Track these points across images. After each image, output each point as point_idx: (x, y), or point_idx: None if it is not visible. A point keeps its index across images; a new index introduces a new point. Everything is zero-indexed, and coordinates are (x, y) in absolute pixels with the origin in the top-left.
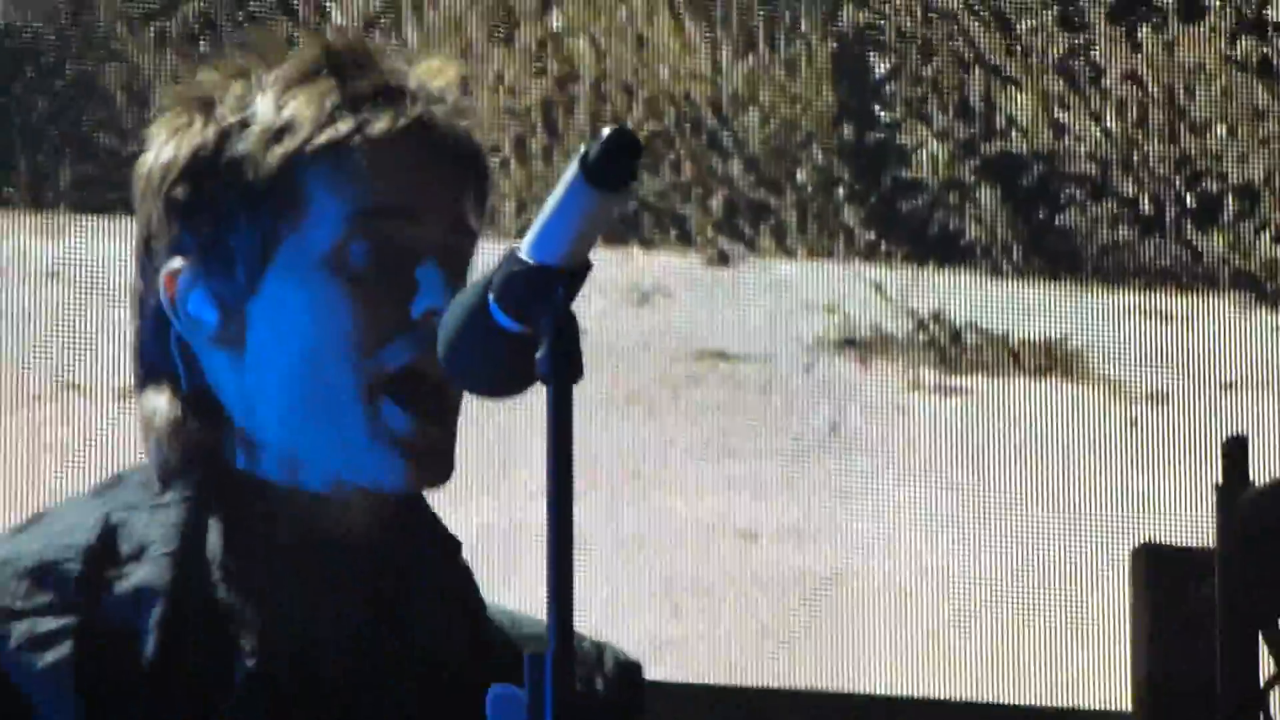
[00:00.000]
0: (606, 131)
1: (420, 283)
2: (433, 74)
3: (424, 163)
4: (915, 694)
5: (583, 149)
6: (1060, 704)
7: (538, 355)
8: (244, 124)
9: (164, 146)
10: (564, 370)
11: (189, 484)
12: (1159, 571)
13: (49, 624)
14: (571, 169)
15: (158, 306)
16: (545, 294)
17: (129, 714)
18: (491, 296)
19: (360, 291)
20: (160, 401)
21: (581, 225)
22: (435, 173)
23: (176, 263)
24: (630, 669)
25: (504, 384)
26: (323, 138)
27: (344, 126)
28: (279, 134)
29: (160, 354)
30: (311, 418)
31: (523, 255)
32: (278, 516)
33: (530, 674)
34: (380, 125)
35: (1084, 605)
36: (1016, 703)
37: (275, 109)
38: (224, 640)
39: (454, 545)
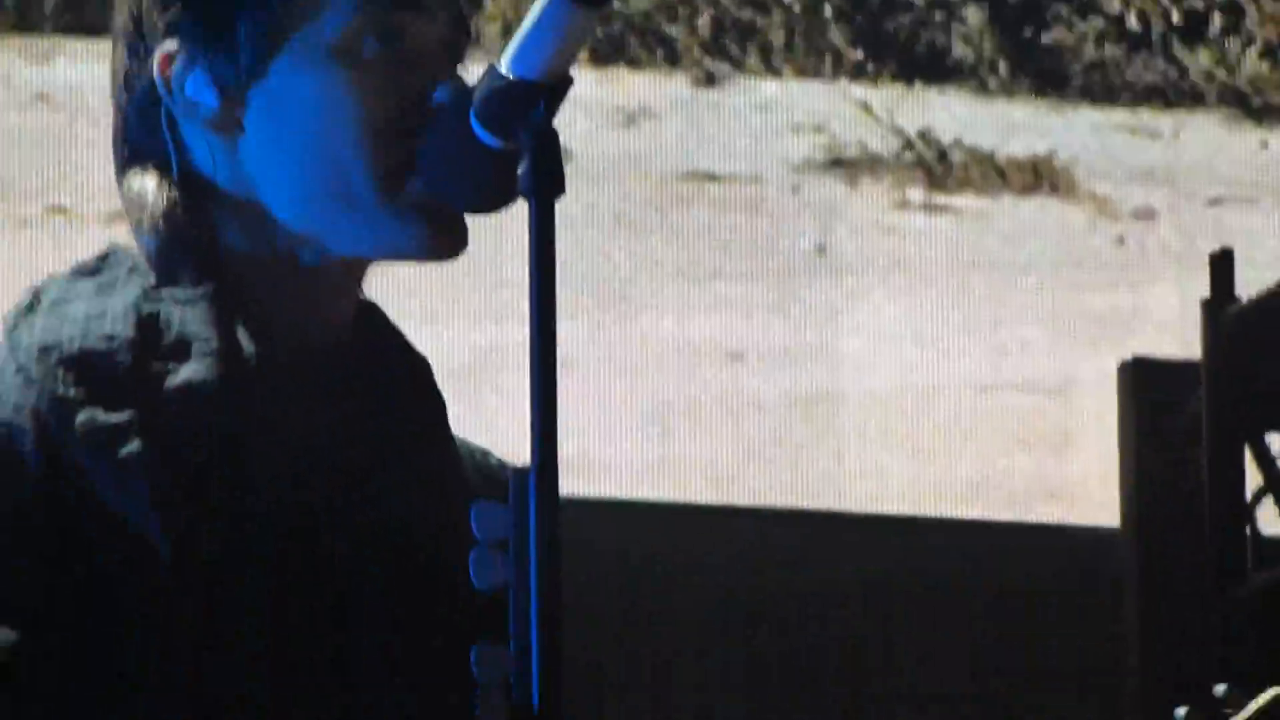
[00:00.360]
0: None
1: (435, 75)
2: None
3: None
4: (904, 512)
5: None
6: (1049, 520)
7: (519, 170)
8: None
9: None
10: (545, 185)
11: (201, 275)
12: (1146, 385)
13: (111, 417)
14: None
15: (149, 87)
16: (526, 109)
17: (195, 513)
18: (472, 112)
19: (372, 83)
20: (149, 183)
21: (561, 39)
22: None
23: (173, 44)
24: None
25: (486, 199)
26: None
27: None
28: None
29: (147, 135)
30: (324, 199)
31: (503, 70)
32: (282, 307)
33: (514, 489)
34: None
35: (1072, 420)
36: (1006, 520)
37: None
38: (262, 456)
39: (425, 366)
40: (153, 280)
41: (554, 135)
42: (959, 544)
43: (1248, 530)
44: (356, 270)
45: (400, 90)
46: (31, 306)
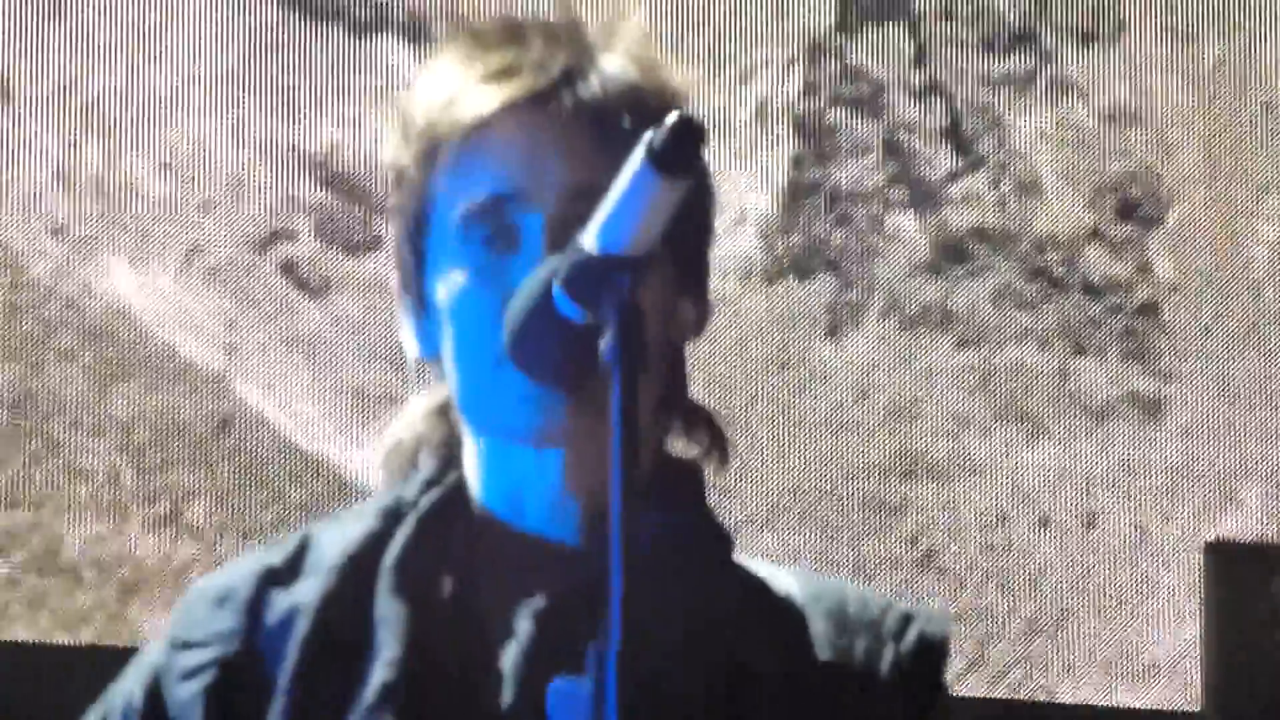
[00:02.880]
0: (671, 119)
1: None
2: (625, 42)
3: (538, 137)
4: (980, 695)
5: (648, 136)
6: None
7: (602, 344)
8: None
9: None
10: (629, 360)
11: (411, 489)
12: (1229, 569)
13: (207, 654)
14: (637, 156)
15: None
16: (610, 282)
17: None
18: (556, 284)
19: (475, 274)
20: (426, 411)
21: (647, 213)
22: (551, 144)
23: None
24: (930, 643)
25: (568, 373)
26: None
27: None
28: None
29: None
30: (465, 381)
31: (587, 244)
32: (481, 542)
33: (593, 669)
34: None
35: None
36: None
37: None
38: (366, 654)
39: (726, 544)
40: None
41: (638, 309)
42: None
43: None
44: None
45: (499, 282)
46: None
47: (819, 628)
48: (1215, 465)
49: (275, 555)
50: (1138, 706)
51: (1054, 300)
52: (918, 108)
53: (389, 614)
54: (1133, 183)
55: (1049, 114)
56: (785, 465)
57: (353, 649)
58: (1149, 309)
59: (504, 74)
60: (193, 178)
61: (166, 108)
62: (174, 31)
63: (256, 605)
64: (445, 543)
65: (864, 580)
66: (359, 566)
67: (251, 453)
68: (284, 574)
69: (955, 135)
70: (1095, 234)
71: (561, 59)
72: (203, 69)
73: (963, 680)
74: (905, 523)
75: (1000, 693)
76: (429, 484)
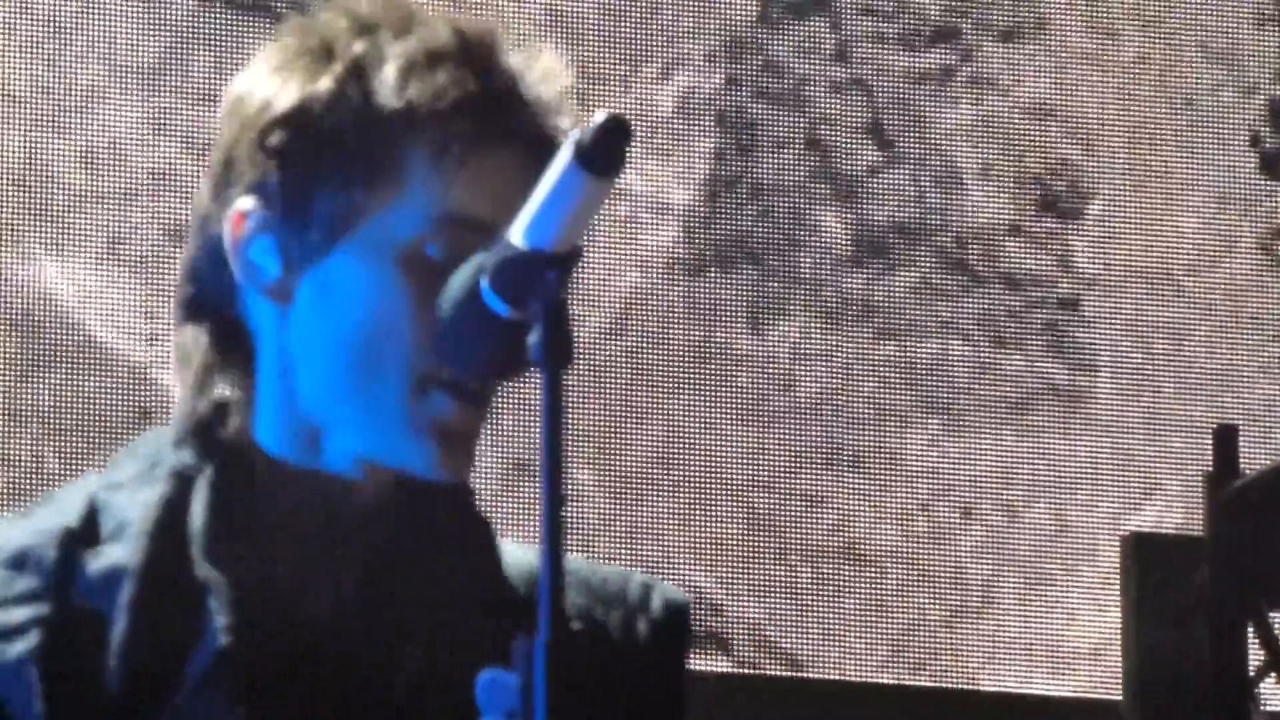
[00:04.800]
0: (599, 117)
1: None
2: (548, 80)
3: (516, 173)
4: (902, 682)
5: (575, 135)
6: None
7: (529, 340)
8: (362, 90)
9: (270, 80)
10: (556, 355)
11: (188, 451)
12: (1149, 561)
13: (20, 614)
14: (564, 154)
15: (219, 238)
16: (537, 279)
17: (97, 699)
18: (484, 281)
19: (426, 292)
20: (198, 344)
21: (574, 210)
22: (522, 181)
23: (249, 203)
24: (677, 611)
25: (496, 368)
26: (436, 129)
27: (459, 125)
28: (396, 114)
29: (212, 284)
30: (351, 391)
31: (515, 240)
32: (277, 493)
33: (520, 660)
34: (492, 131)
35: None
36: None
37: (397, 87)
38: (198, 619)
39: (465, 495)
40: (130, 467)
41: (564, 305)
42: None
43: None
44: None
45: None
46: (36, 505)
47: (569, 600)
48: (1136, 458)
49: (64, 518)
50: (1059, 695)
51: (974, 294)
52: (839, 102)
53: (210, 580)
54: (1053, 177)
55: (970, 108)
56: (708, 457)
57: (182, 614)
58: (1069, 303)
59: (481, 95)
60: (114, 168)
61: (87, 99)
62: (94, 22)
63: (66, 566)
64: (248, 500)
65: (787, 571)
66: (167, 533)
67: None
68: (85, 537)
69: (876, 130)
70: (1016, 228)
71: (517, 90)
72: (124, 60)
73: (887, 668)
74: (828, 513)
75: (923, 681)
76: (212, 439)
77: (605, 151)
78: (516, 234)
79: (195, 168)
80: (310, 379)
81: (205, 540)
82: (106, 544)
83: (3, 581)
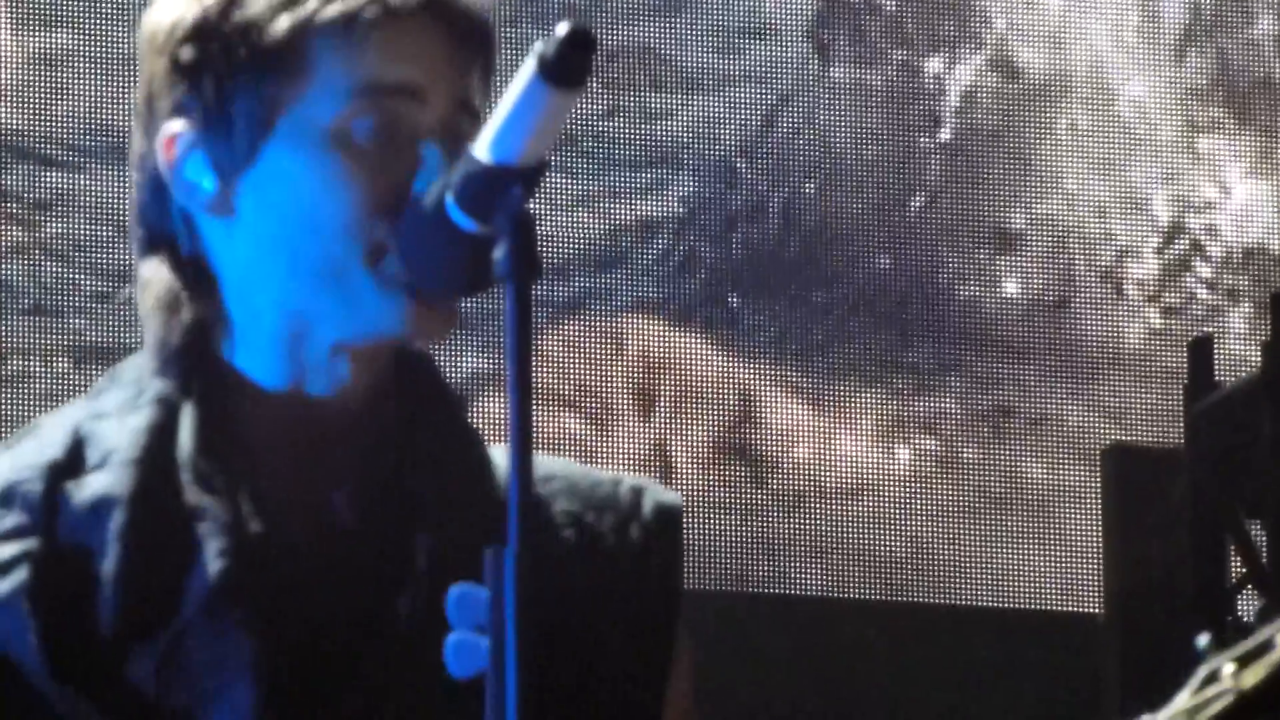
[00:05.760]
0: (562, 29)
1: (424, 161)
2: None
3: (434, 40)
4: (871, 596)
5: (538, 47)
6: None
7: (495, 254)
8: None
9: (171, 6)
10: (522, 269)
11: (169, 380)
12: (1129, 471)
13: (7, 550)
14: (527, 67)
15: (158, 171)
16: (502, 193)
17: (93, 631)
18: (449, 196)
19: (362, 165)
20: (159, 273)
21: (538, 123)
22: (444, 51)
23: (176, 125)
24: (669, 514)
25: (463, 283)
26: (334, 8)
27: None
28: (290, 1)
29: (160, 218)
30: (311, 279)
31: (479, 155)
32: (262, 417)
33: (490, 571)
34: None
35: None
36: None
37: None
38: (190, 546)
39: (458, 404)
40: (114, 396)
41: (530, 219)
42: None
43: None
44: (367, 403)
45: (388, 172)
46: (19, 435)
47: (560, 506)
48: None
49: (49, 449)
50: (1042, 609)
51: None
52: None
53: (201, 506)
54: None
55: None
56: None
57: (174, 541)
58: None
59: None
60: None
61: None
62: None
63: (51, 499)
64: (233, 425)
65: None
66: (155, 460)
67: None
68: (70, 468)
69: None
70: None
71: None
72: None
73: (869, 586)
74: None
75: (905, 598)
76: (192, 366)
77: (568, 64)
78: (481, 149)
79: None
80: (270, 283)
81: (194, 466)
82: (92, 474)
83: None
